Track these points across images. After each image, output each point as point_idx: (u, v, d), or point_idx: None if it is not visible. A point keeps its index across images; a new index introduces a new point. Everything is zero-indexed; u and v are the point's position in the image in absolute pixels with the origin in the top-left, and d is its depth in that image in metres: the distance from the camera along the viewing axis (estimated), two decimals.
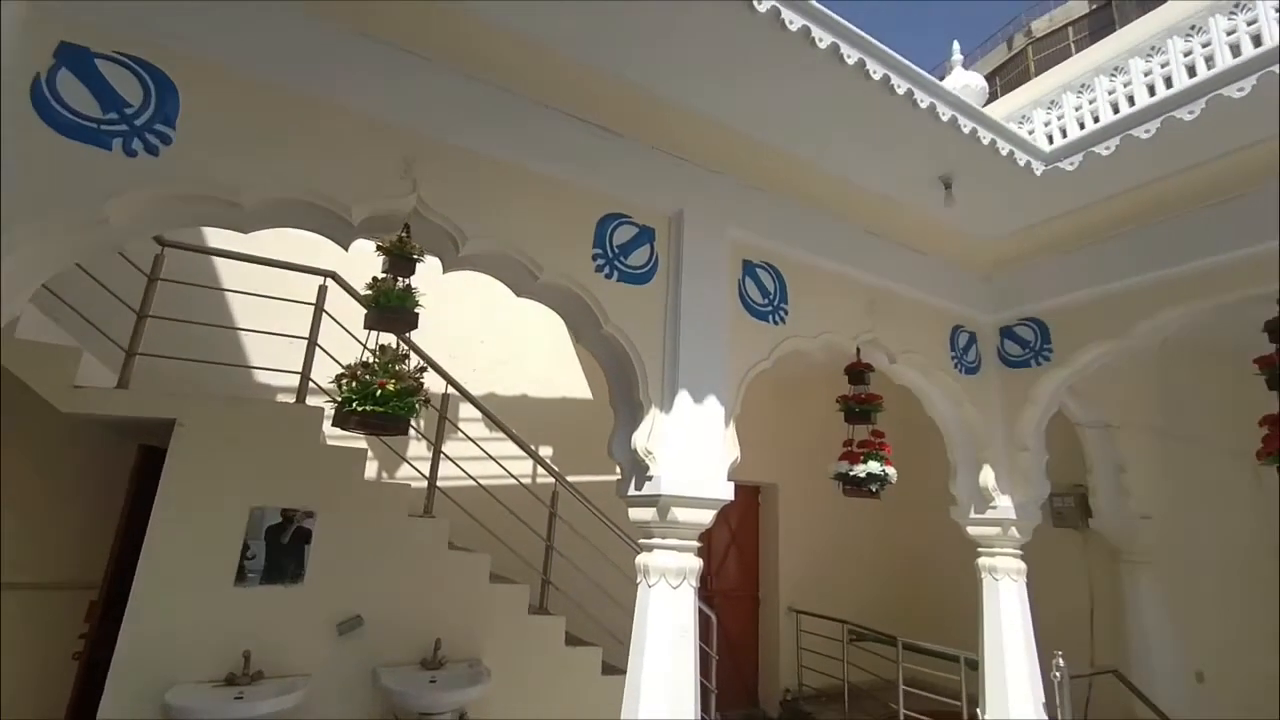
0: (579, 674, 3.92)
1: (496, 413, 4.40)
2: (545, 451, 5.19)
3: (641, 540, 2.63)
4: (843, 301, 3.32)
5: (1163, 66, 3.12)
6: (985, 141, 2.74)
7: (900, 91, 2.44)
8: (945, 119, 2.60)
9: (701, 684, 4.11)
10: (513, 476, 4.16)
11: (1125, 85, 3.25)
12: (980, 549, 3.81)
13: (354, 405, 1.92)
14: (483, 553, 3.83)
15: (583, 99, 2.54)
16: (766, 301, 3.03)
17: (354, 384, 1.96)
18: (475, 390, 4.88)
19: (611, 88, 2.51)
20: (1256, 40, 2.78)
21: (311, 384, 3.67)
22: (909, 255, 3.57)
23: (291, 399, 3.76)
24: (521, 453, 4.34)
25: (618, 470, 2.75)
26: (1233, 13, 2.86)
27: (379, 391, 1.93)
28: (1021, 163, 2.89)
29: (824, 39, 2.23)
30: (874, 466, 3.45)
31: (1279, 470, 2.89)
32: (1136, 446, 5.07)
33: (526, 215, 2.45)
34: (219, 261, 4.21)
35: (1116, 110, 3.29)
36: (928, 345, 3.63)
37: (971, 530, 3.83)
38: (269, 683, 3.08)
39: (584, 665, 3.93)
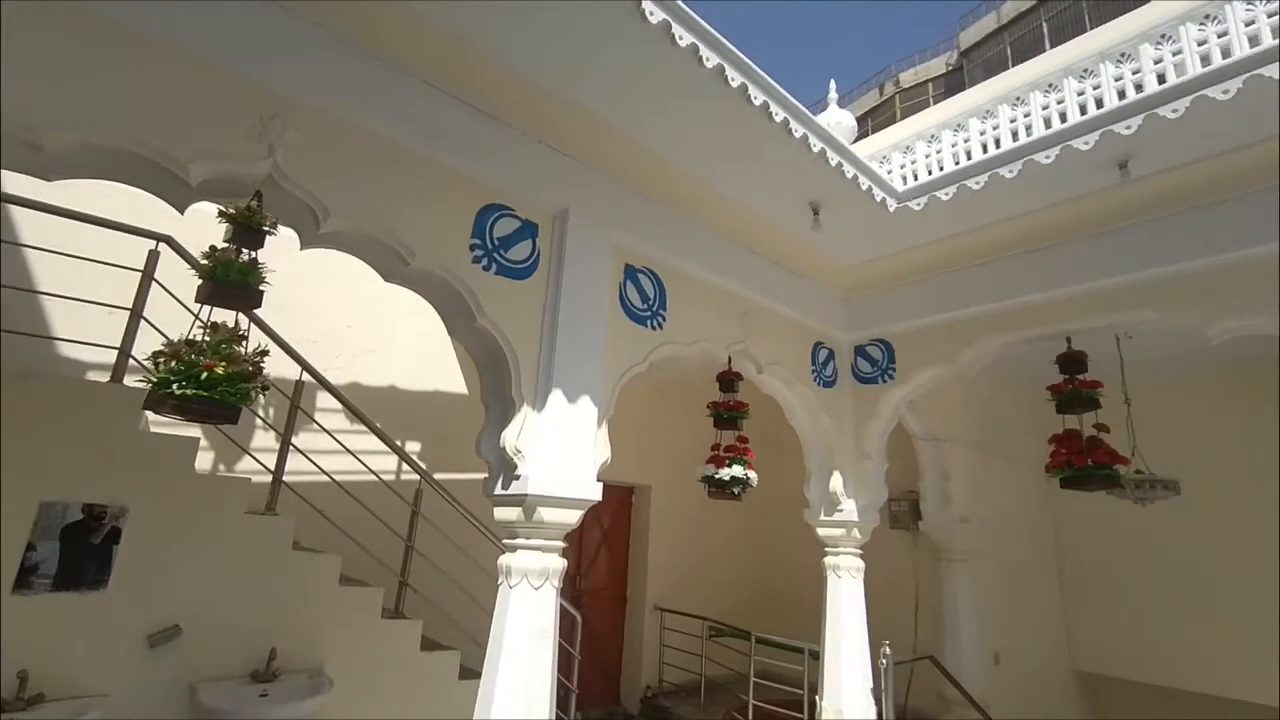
0: (435, 679, 3.75)
1: (361, 404, 4.10)
2: (413, 447, 4.94)
3: (505, 540, 2.58)
4: (718, 312, 3.47)
5: (994, 129, 3.60)
6: (849, 175, 2.99)
7: (777, 119, 2.60)
8: (816, 150, 2.80)
9: (563, 684, 4.11)
10: (372, 473, 3.90)
11: (965, 141, 3.71)
12: (827, 549, 4.14)
13: (173, 387, 1.69)
14: (333, 554, 3.55)
15: (472, 84, 2.45)
16: (646, 306, 3.09)
17: (175, 363, 1.72)
18: (338, 379, 4.54)
19: (502, 76, 2.44)
20: (1063, 116, 3.29)
21: (133, 362, 3.20)
22: (780, 273, 3.81)
23: (105, 377, 3.26)
24: (385, 447, 4.08)
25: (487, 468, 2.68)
26: (1047, 91, 3.36)
27: (205, 374, 1.71)
28: (878, 198, 3.19)
29: (711, 59, 2.32)
30: (737, 470, 3.65)
31: (1060, 481, 3.43)
32: (958, 458, 5.78)
33: (401, 197, 2.32)
34: (19, 212, 3.56)
35: (957, 162, 3.74)
36: (792, 358, 3.89)
37: (821, 531, 4.15)
38: (51, 706, 2.63)
39: (440, 670, 3.77)
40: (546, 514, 2.48)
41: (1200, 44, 2.90)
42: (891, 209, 3.27)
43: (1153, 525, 5.74)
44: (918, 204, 3.22)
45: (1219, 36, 2.85)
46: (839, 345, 4.28)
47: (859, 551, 4.12)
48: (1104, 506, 5.31)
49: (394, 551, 3.96)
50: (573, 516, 2.58)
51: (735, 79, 2.41)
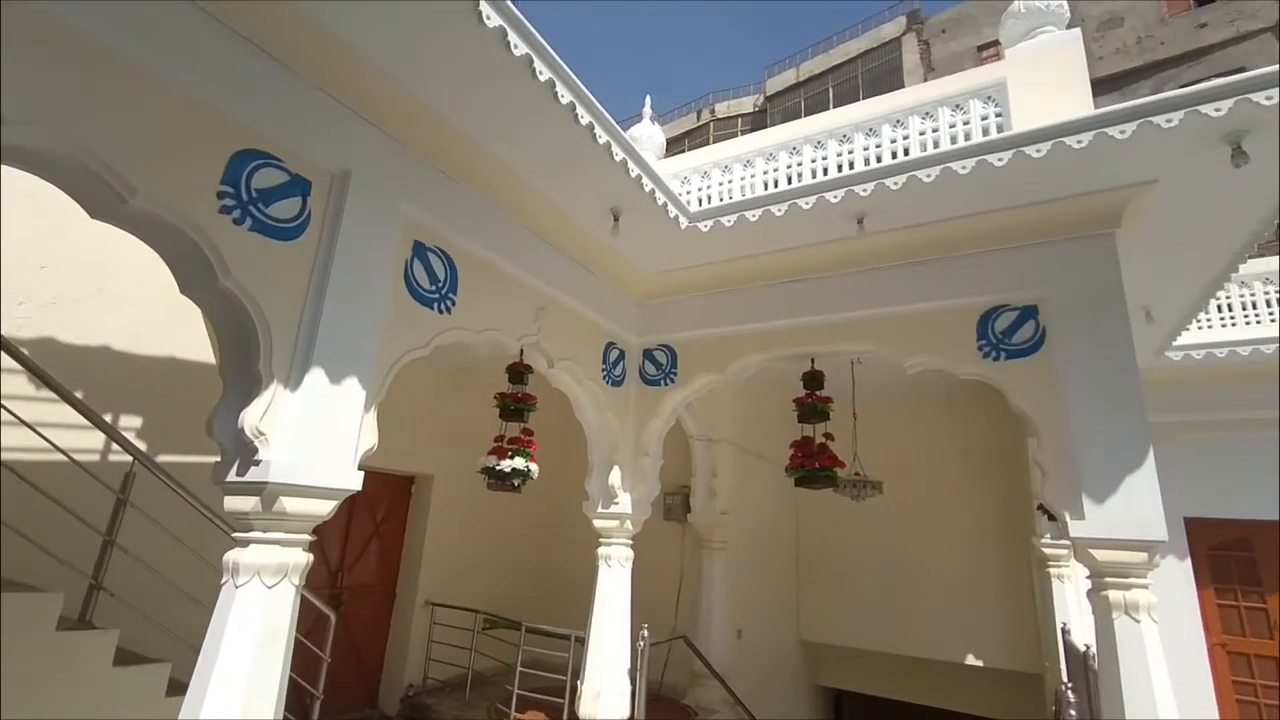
0: (134, 699, 3.14)
1: (57, 367, 3.27)
2: (130, 422, 4.09)
3: (237, 534, 2.26)
4: (513, 302, 3.44)
5: (775, 170, 4.10)
6: (647, 189, 3.17)
7: (583, 122, 2.66)
8: (618, 159, 2.92)
9: (306, 691, 3.72)
10: (60, 451, 3.13)
11: (751, 176, 4.17)
12: (601, 539, 4.34)
13: None
14: None
15: (239, 6, 2.10)
16: (434, 288, 2.94)
17: None
18: (20, 333, 3.61)
19: (279, 6, 2.14)
20: (825, 170, 3.87)
21: None
22: (579, 271, 3.90)
23: None
24: (88, 422, 3.30)
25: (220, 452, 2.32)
26: (816, 146, 3.93)
27: None
28: (672, 215, 3.43)
29: (519, 47, 2.29)
30: (519, 462, 3.65)
31: (795, 480, 4.02)
32: (725, 457, 6.46)
33: (121, 119, 1.90)
34: None
35: (744, 193, 4.18)
36: (585, 356, 4.00)
37: (597, 523, 4.33)
38: None
39: (142, 687, 3.17)
40: (290, 504, 2.23)
41: (921, 134, 3.62)
42: (683, 226, 3.54)
43: (863, 518, 7.02)
44: (705, 225, 3.53)
45: (933, 131, 3.59)
46: (630, 347, 4.51)
47: (630, 542, 4.38)
48: (830, 501, 6.37)
49: (88, 548, 3.23)
50: (324, 507, 2.35)
51: (543, 73, 2.41)
